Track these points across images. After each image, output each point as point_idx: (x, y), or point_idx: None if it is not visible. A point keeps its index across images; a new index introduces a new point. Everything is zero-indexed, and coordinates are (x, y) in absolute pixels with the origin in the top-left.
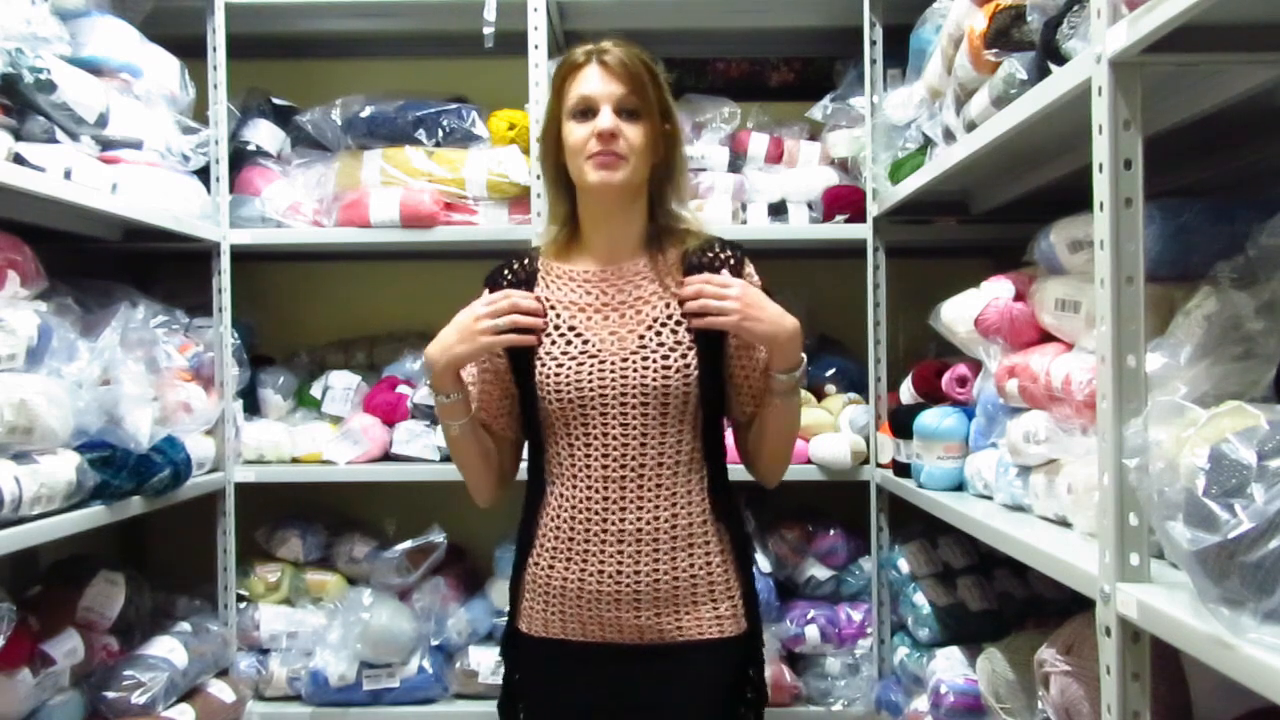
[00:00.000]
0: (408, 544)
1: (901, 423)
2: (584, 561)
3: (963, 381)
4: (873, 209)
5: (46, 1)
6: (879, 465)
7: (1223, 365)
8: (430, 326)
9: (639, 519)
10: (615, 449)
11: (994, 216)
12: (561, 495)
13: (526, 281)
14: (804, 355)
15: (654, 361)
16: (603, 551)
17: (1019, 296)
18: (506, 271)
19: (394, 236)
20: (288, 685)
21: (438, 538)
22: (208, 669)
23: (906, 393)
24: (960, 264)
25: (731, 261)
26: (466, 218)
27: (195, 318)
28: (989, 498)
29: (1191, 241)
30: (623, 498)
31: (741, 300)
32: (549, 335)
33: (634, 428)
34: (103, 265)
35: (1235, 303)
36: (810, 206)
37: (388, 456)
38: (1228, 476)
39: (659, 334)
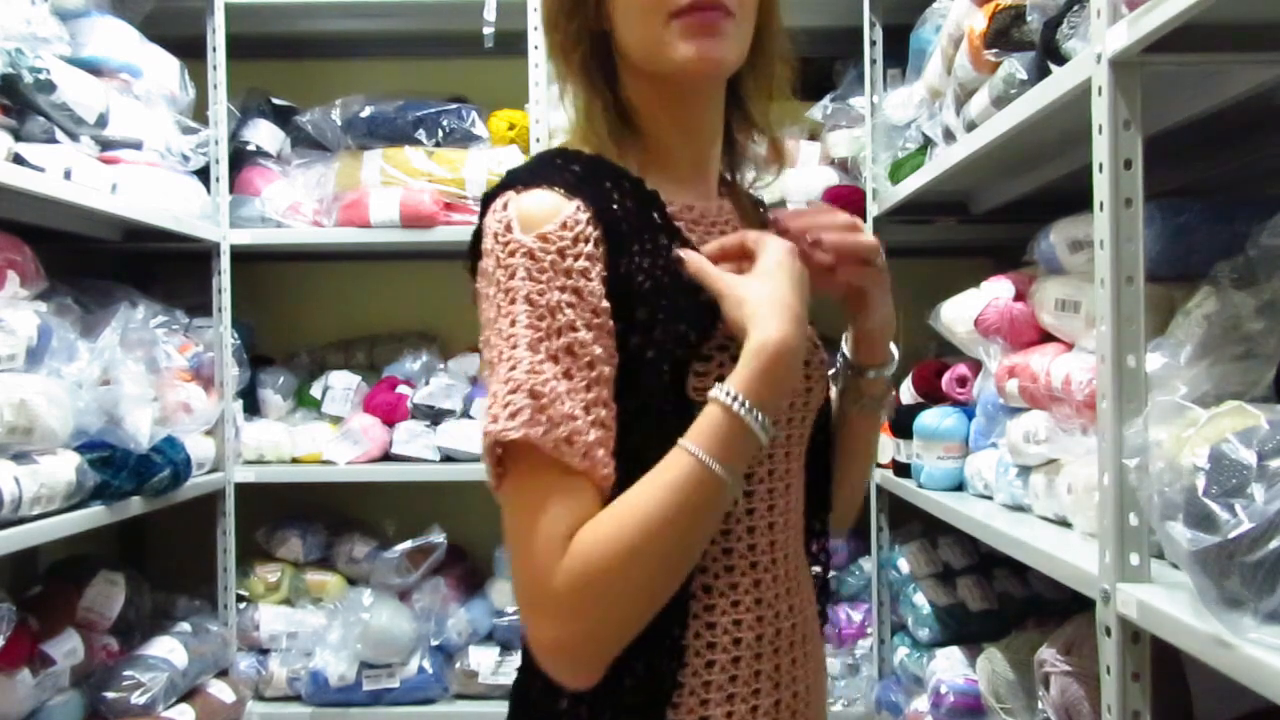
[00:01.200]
0: (408, 544)
1: (901, 423)
2: (755, 695)
3: (963, 381)
4: (873, 209)
5: (46, 1)
6: (879, 465)
7: (1223, 365)
8: (430, 326)
9: (803, 613)
10: (782, 500)
11: (994, 216)
12: (713, 592)
13: (641, 214)
14: (894, 352)
15: (814, 356)
16: (777, 670)
17: (1019, 296)
18: (607, 185)
19: (394, 236)
20: (288, 685)
21: (438, 538)
22: (208, 669)
23: (906, 393)
24: (960, 264)
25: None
26: (466, 218)
27: (195, 318)
28: (989, 498)
29: (1191, 241)
30: (788, 576)
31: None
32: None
33: (797, 460)
34: (103, 265)
35: (1235, 303)
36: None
37: (388, 456)
38: (1228, 476)
39: None
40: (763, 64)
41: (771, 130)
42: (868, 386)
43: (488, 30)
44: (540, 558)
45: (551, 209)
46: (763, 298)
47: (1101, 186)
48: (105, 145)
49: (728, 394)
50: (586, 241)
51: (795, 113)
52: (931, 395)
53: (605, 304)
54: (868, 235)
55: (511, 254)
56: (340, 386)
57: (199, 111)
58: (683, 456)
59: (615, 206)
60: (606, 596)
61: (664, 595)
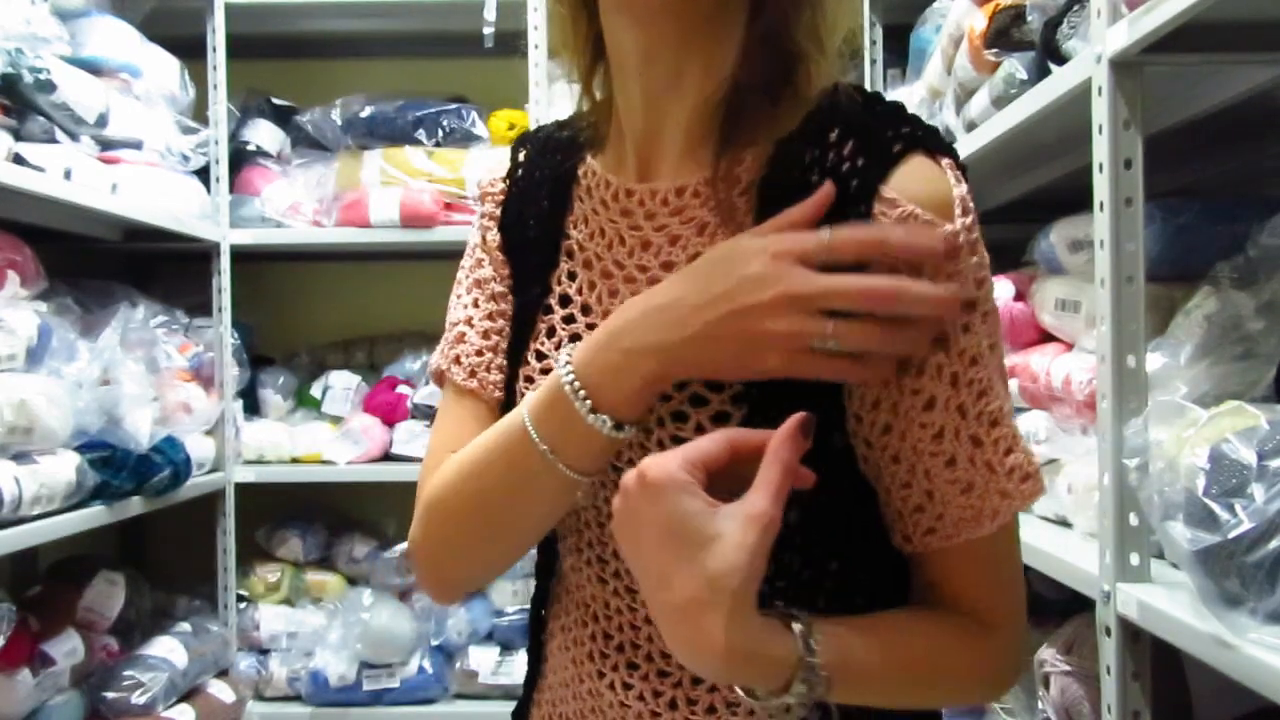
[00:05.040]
0: (408, 544)
1: None
2: None
3: None
4: None
5: (46, 1)
6: None
7: (1223, 365)
8: (430, 326)
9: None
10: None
11: (994, 216)
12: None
13: (554, 176)
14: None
15: (699, 431)
16: None
17: (1019, 296)
18: (546, 141)
19: (394, 236)
20: (288, 685)
21: None
22: (208, 669)
23: None
24: None
25: (858, 165)
26: (466, 217)
27: (195, 318)
28: None
29: (1191, 241)
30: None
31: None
32: (548, 312)
33: None
34: (103, 265)
35: (1235, 303)
36: None
37: (388, 456)
38: (1228, 476)
39: None
40: None
41: (820, 43)
42: None
43: (488, 30)
44: (425, 467)
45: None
46: (656, 293)
47: (1101, 186)
48: (105, 145)
49: (564, 358)
50: (491, 195)
51: None
52: None
53: (499, 254)
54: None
55: None
56: (340, 386)
57: (199, 111)
58: (515, 414)
59: (534, 162)
60: (439, 527)
61: (495, 548)
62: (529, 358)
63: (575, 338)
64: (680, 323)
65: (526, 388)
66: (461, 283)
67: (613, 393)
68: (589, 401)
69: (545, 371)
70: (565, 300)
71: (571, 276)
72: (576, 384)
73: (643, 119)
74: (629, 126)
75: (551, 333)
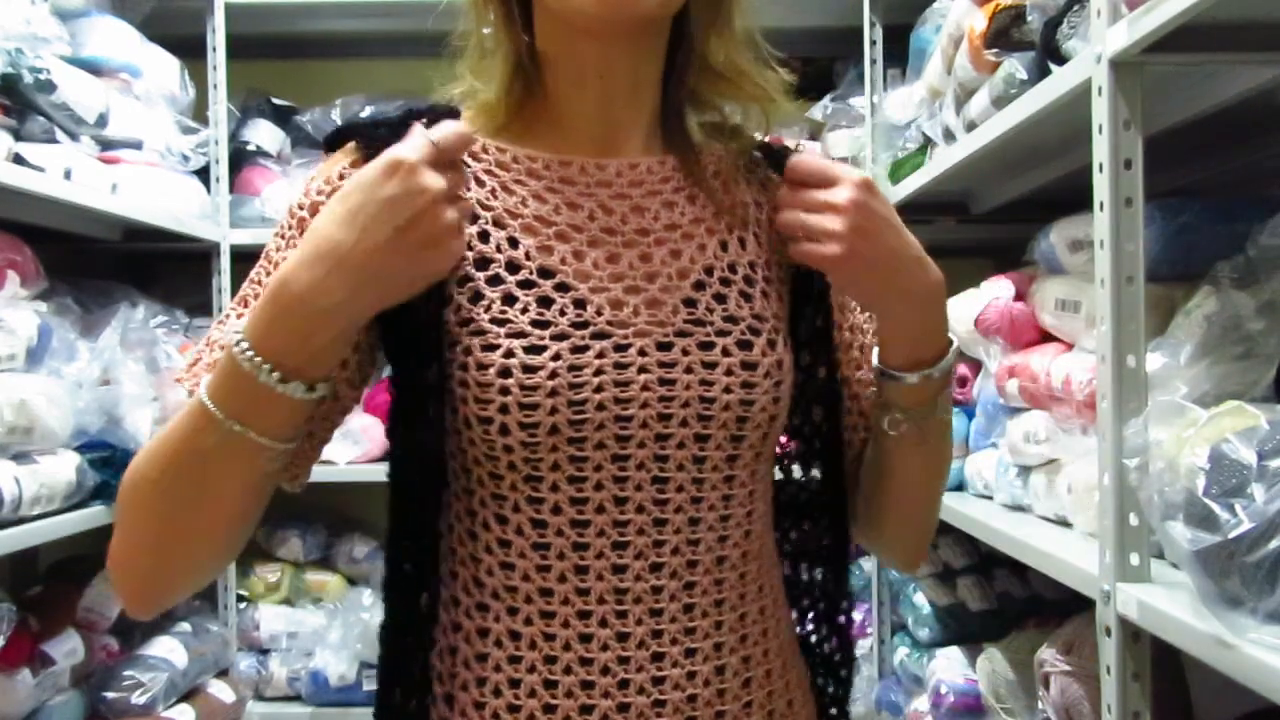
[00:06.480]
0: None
1: None
2: None
3: (963, 381)
4: None
5: (46, 1)
6: None
7: (1223, 365)
8: None
9: (688, 669)
10: (639, 531)
11: (994, 216)
12: (499, 629)
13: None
14: (953, 339)
15: (728, 356)
16: None
17: (1019, 296)
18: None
19: None
20: (288, 685)
21: None
22: (208, 669)
23: None
24: (960, 264)
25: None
26: None
27: (195, 318)
28: (989, 498)
29: (1191, 241)
30: (656, 634)
31: (852, 219)
32: (495, 282)
33: (678, 487)
34: (103, 265)
35: (1235, 303)
36: None
37: (388, 456)
38: (1228, 476)
39: (722, 296)
40: (716, 7)
41: (735, 67)
42: (885, 390)
43: (487, 30)
44: None
45: (331, 163)
46: (309, 233)
47: (1101, 186)
48: (105, 145)
49: (234, 332)
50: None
51: (795, 113)
52: None
53: None
54: (832, 222)
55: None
56: None
57: (199, 111)
58: (194, 400)
59: None
60: (125, 515)
61: (177, 534)
62: (483, 325)
63: (546, 303)
64: (360, 268)
65: (501, 358)
66: (246, 289)
67: (299, 356)
68: (276, 373)
69: (514, 335)
70: (547, 272)
71: (511, 245)
72: (258, 358)
73: (597, 109)
74: (579, 114)
75: (510, 301)
